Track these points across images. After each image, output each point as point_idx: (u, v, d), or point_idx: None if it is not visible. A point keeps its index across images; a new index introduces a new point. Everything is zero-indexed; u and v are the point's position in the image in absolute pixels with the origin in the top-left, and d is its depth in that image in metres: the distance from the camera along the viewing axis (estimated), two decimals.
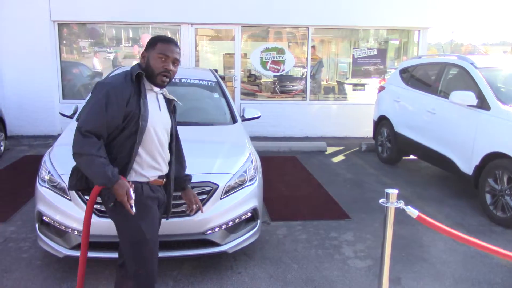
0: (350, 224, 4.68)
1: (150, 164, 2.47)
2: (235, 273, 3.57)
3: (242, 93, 9.70)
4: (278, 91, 10.03)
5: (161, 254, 3.32)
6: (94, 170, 2.25)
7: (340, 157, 7.78)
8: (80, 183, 2.42)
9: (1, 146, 7.12)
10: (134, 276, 2.45)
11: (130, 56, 9.58)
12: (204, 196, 3.35)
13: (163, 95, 2.60)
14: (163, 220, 3.20)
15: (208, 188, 3.37)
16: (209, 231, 3.39)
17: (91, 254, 3.14)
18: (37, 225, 3.43)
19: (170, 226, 3.28)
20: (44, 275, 3.45)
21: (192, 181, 3.35)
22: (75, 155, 2.29)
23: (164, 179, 2.62)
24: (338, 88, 10.54)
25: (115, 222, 2.48)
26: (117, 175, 2.28)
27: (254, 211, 3.70)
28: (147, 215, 2.44)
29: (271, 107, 9.44)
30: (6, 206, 4.77)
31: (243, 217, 3.60)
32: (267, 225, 4.56)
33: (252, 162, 3.85)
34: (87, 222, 2.45)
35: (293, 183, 6.05)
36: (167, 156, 2.60)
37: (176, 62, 2.45)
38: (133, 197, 2.30)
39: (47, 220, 3.38)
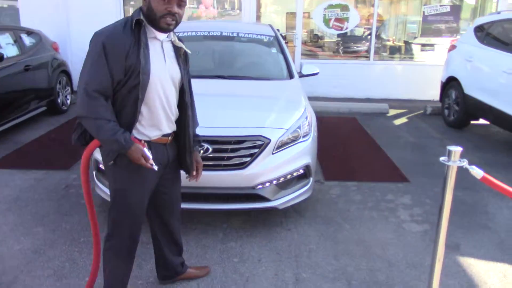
0: (409, 187, 4.47)
1: (153, 122, 2.24)
2: (285, 229, 3.54)
3: (303, 54, 9.43)
4: (341, 52, 9.65)
5: (210, 207, 3.41)
6: (105, 136, 2.08)
7: (403, 120, 7.42)
8: (83, 139, 2.27)
9: (68, 99, 7.47)
10: (108, 237, 2.40)
11: (192, 19, 9.58)
12: (256, 150, 3.30)
13: (172, 42, 2.30)
14: (212, 173, 3.22)
15: (260, 142, 3.31)
16: (260, 186, 3.36)
17: None
18: (94, 173, 3.57)
19: (219, 179, 3.30)
20: (100, 220, 3.61)
21: (244, 134, 3.33)
22: (83, 118, 2.12)
23: (170, 137, 2.36)
24: (404, 48, 9.95)
25: (108, 181, 2.41)
26: (129, 140, 2.11)
27: (307, 168, 3.61)
28: (138, 178, 2.27)
29: (332, 67, 9.12)
30: (69, 156, 5.03)
31: (295, 174, 3.53)
32: (321, 184, 4.47)
33: (306, 118, 3.74)
34: (85, 176, 2.34)
35: (351, 144, 5.86)
36: (174, 112, 2.34)
37: (181, 3, 2.13)
38: (150, 156, 2.16)
39: (103, 168, 3.51)
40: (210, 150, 3.23)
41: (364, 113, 7.80)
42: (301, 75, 4.82)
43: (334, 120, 7.19)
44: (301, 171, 3.58)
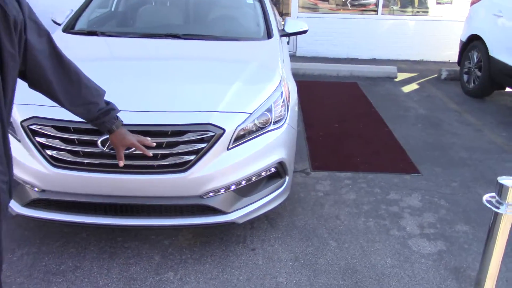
0: (418, 181, 3.49)
1: None
2: (247, 250, 2.60)
3: (303, 7, 8.19)
4: (348, 5, 8.39)
5: (138, 222, 2.45)
6: None
7: (413, 86, 6.32)
8: None
9: None
10: None
11: None
12: (203, 145, 2.31)
13: None
14: (139, 178, 2.30)
15: (209, 134, 2.31)
16: (210, 194, 2.39)
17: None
18: None
19: (151, 185, 2.34)
20: None
21: (185, 122, 2.35)
22: None
23: None
24: (418, 1, 8.67)
25: None
26: None
27: (280, 165, 2.62)
28: None
29: (334, 22, 7.93)
30: None
31: (263, 174, 2.55)
32: (306, 176, 3.50)
33: (282, 94, 2.71)
34: None
35: (348, 118, 4.82)
36: None
37: None
38: None
39: None
40: None
41: (367, 77, 6.70)
42: (284, 34, 3.73)
43: (332, 86, 6.11)
44: (273, 169, 2.60)
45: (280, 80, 2.79)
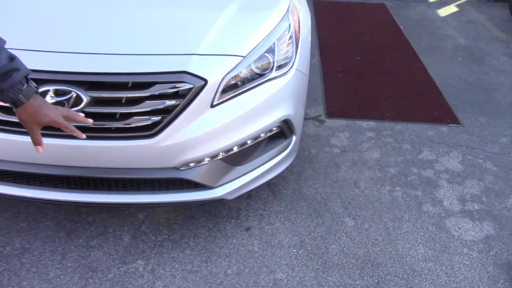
0: (459, 134, 2.83)
1: None
2: (240, 229, 2.06)
3: None
4: None
5: (98, 199, 1.90)
6: None
7: (451, 9, 5.39)
8: None
9: None
10: None
11: None
12: (176, 102, 1.67)
13: None
14: (92, 144, 1.73)
15: (186, 87, 1.66)
16: (191, 164, 1.80)
17: None
18: None
19: (108, 154, 1.74)
20: None
21: (151, 70, 1.72)
22: None
23: None
24: None
25: None
26: None
27: (285, 124, 2.00)
28: None
29: None
30: None
31: (262, 136, 1.93)
32: (319, 125, 2.87)
33: (290, 27, 2.00)
34: None
35: (373, 49, 4.06)
36: None
37: None
38: None
39: None
40: (85, 101, 1.63)
41: None
42: None
43: (354, 7, 5.22)
44: (274, 129, 1.98)
45: (288, 7, 2.07)
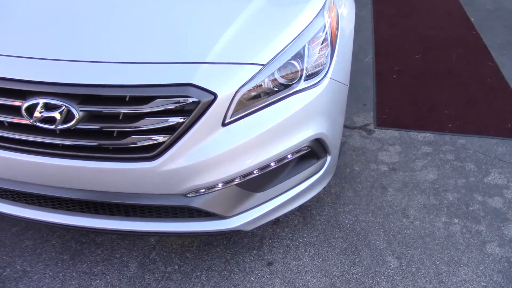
0: None
1: None
2: (261, 264, 1.77)
3: None
4: None
5: (97, 225, 1.69)
6: None
7: None
8: None
9: None
10: None
11: None
12: (181, 119, 1.41)
13: None
14: (84, 165, 1.52)
15: (191, 101, 1.39)
16: (201, 191, 1.54)
17: None
18: None
19: (102, 177, 1.51)
20: None
21: (150, 82, 1.46)
22: None
23: None
24: None
25: None
26: None
27: (318, 143, 1.68)
28: None
29: None
30: None
31: (289, 156, 1.63)
32: (367, 136, 2.50)
33: (324, 28, 1.67)
34: None
35: (437, 44, 3.57)
36: None
37: None
38: None
39: None
40: (77, 116, 1.41)
41: None
42: None
43: (415, 0, 4.69)
44: (303, 149, 1.66)
45: (325, 2, 1.72)
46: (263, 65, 1.47)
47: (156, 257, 1.81)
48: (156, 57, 1.44)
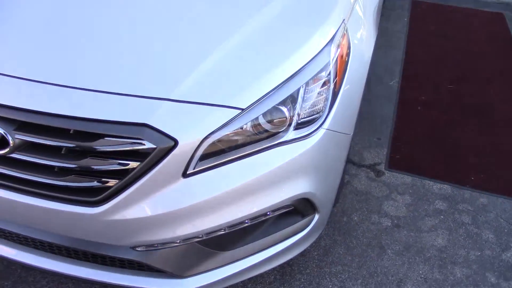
0: None
1: None
2: None
3: None
4: None
5: (46, 265, 1.46)
6: None
7: None
8: None
9: None
10: None
11: None
12: (133, 164, 1.15)
13: None
14: (22, 200, 1.28)
15: (145, 147, 1.13)
16: (155, 245, 1.29)
17: None
18: None
19: (41, 216, 1.29)
20: None
21: (97, 117, 1.20)
22: None
23: None
24: None
25: None
26: None
27: (303, 201, 1.40)
28: None
29: None
30: None
31: (268, 214, 1.36)
32: (374, 178, 2.20)
33: (328, 66, 1.36)
34: None
35: (473, 75, 3.19)
36: None
37: None
38: None
39: None
40: (12, 144, 1.17)
41: None
42: None
43: (461, 15, 4.27)
44: (285, 208, 1.39)
45: (334, 35, 1.42)
46: (242, 109, 1.20)
47: None
48: (114, 85, 1.18)
